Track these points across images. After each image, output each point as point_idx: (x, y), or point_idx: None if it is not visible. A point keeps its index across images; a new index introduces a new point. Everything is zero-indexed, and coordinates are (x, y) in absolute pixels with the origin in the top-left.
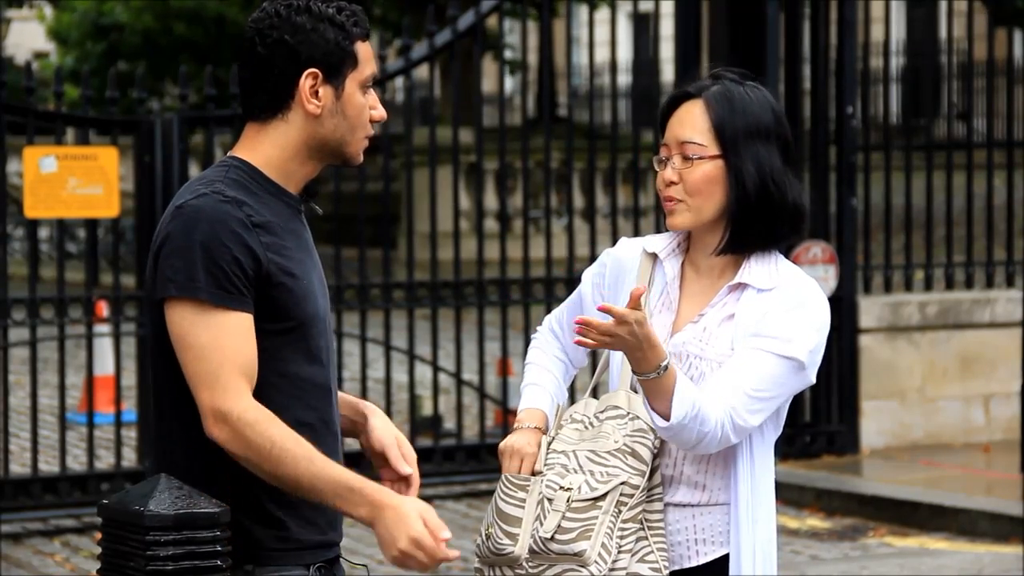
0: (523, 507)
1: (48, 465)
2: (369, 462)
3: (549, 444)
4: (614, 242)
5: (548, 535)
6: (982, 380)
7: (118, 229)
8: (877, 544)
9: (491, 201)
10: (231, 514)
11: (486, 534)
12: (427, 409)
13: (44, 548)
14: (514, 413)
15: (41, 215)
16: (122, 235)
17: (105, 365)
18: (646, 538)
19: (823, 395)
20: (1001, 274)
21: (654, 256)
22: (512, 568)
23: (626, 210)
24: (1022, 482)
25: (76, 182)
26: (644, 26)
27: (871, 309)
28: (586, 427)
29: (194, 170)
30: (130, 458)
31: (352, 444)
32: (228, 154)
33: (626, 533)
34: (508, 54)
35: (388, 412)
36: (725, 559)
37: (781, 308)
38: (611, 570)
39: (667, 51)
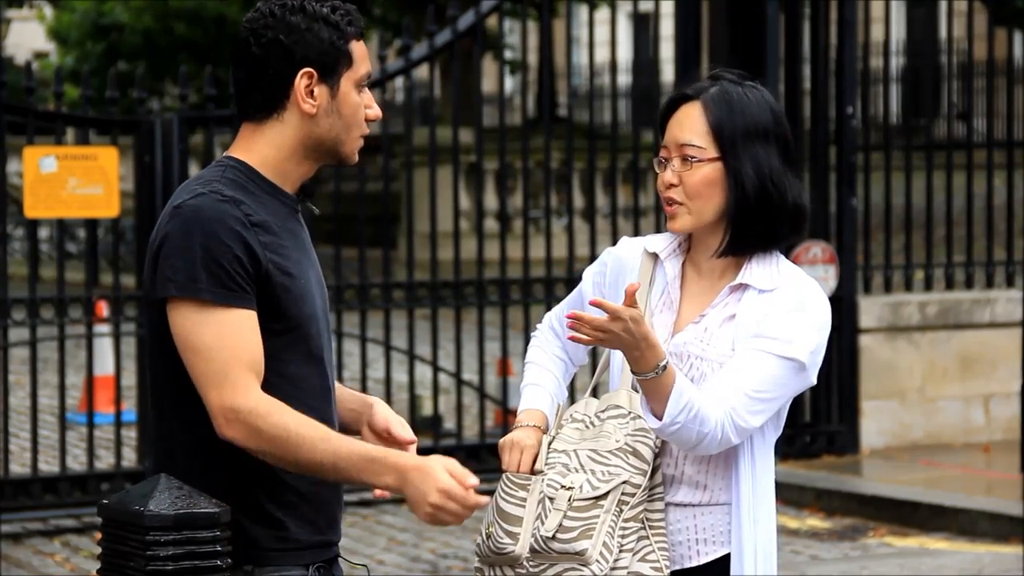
0: (524, 506)
1: (48, 465)
2: None
3: (550, 443)
4: (614, 242)
5: (549, 534)
6: (982, 380)
7: (118, 229)
8: (877, 544)
9: (491, 201)
10: (230, 514)
11: (486, 533)
12: (427, 409)
13: (44, 548)
14: (514, 413)
15: (41, 215)
16: (122, 235)
17: (105, 365)
18: (647, 537)
19: (823, 395)
20: (1001, 274)
21: (655, 256)
22: (513, 567)
23: (626, 210)
24: (1022, 482)
25: (76, 182)
26: (644, 26)
27: (871, 309)
28: (587, 426)
29: (194, 170)
30: (130, 458)
31: None
32: (224, 154)
33: (627, 532)
34: (508, 54)
35: None
36: (726, 559)
37: (782, 309)
38: (612, 569)
39: (667, 51)
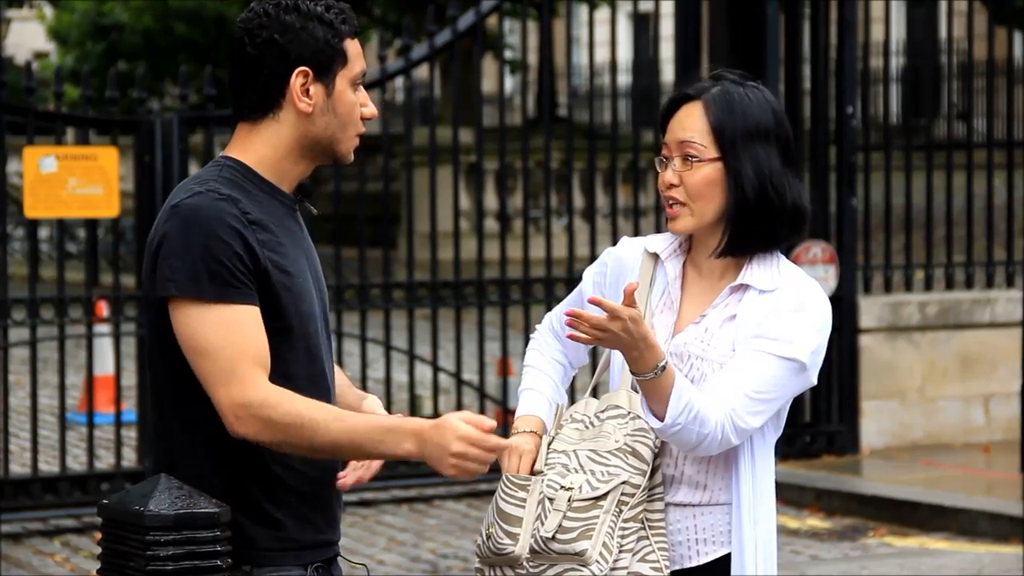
0: (524, 507)
1: (48, 465)
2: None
3: (549, 444)
4: (614, 242)
5: (549, 535)
6: (982, 380)
7: (118, 229)
8: (877, 544)
9: (491, 201)
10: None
11: (487, 534)
12: (427, 409)
13: (44, 548)
14: (514, 413)
15: (41, 215)
16: (122, 235)
17: (105, 365)
18: (647, 538)
19: (823, 395)
20: (1001, 274)
21: (655, 256)
22: (513, 568)
23: (626, 210)
24: (1022, 482)
25: (76, 182)
26: (644, 26)
27: (871, 309)
28: (587, 427)
29: (194, 170)
30: (130, 458)
31: None
32: (221, 154)
33: (627, 532)
34: (508, 54)
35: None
36: (726, 559)
37: (783, 310)
38: (612, 569)
39: (667, 51)
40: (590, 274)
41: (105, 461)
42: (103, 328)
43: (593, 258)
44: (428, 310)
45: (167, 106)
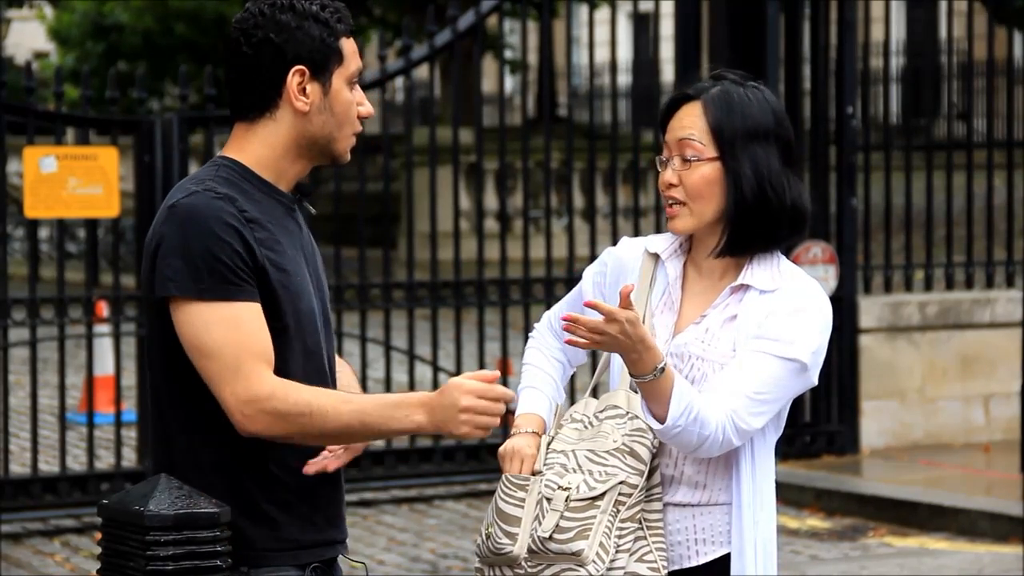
0: (523, 507)
1: (48, 465)
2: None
3: (549, 444)
4: (614, 242)
5: (546, 534)
6: (982, 380)
7: (118, 229)
8: (877, 544)
9: (491, 201)
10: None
11: (486, 534)
12: None
13: (44, 548)
14: (513, 413)
15: (41, 215)
16: (122, 235)
17: (105, 365)
18: (644, 538)
19: (823, 395)
20: (1001, 274)
21: (656, 256)
22: (511, 568)
23: (626, 210)
24: (1022, 482)
25: (76, 182)
26: (644, 26)
27: (871, 309)
28: (586, 427)
29: (194, 170)
30: (130, 458)
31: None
32: (219, 154)
33: (624, 533)
34: (508, 54)
35: None
36: (725, 559)
37: (783, 310)
38: (609, 569)
39: (667, 51)
40: (590, 274)
41: (105, 461)
42: (103, 328)
43: (593, 258)
44: (428, 310)
45: (167, 106)
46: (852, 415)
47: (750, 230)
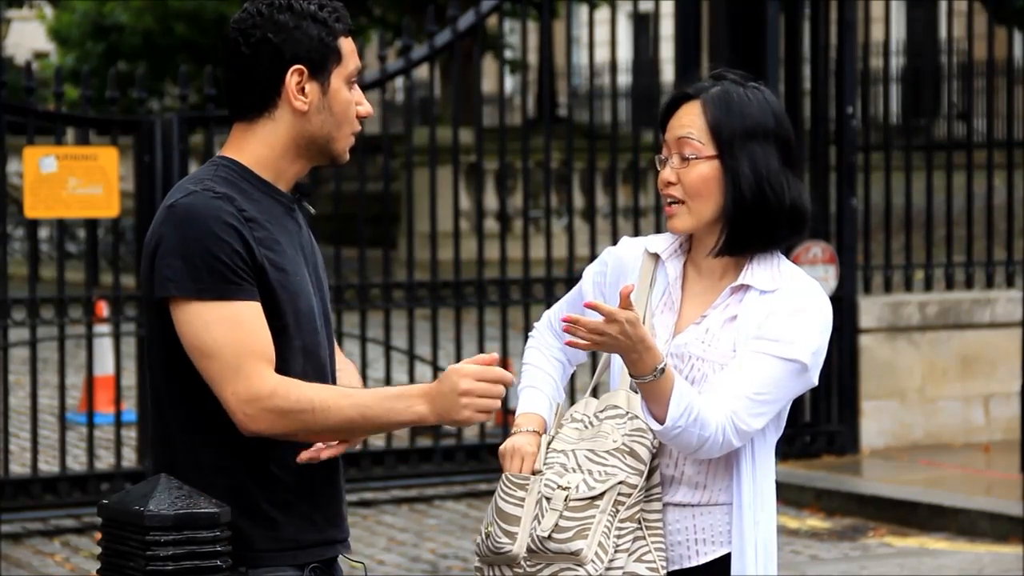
0: (522, 506)
1: (48, 465)
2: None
3: (549, 443)
4: (614, 242)
5: (545, 534)
6: (982, 380)
7: (118, 229)
8: (877, 544)
9: (491, 201)
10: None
11: (486, 533)
12: None
13: (44, 548)
14: (514, 413)
15: (41, 215)
16: (122, 235)
17: (105, 365)
18: (644, 538)
19: (823, 395)
20: (1001, 274)
21: (656, 256)
22: (511, 567)
23: (626, 210)
24: (1022, 482)
25: (76, 182)
26: (644, 26)
27: (871, 309)
28: (586, 426)
29: (194, 169)
30: (130, 458)
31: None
32: (217, 155)
33: (623, 532)
34: (508, 54)
35: None
36: (725, 559)
37: (783, 311)
38: (607, 569)
39: (667, 51)
40: (590, 273)
41: (105, 461)
42: (103, 328)
43: (593, 258)
44: (428, 310)
45: (167, 106)
46: (852, 415)
47: (749, 229)
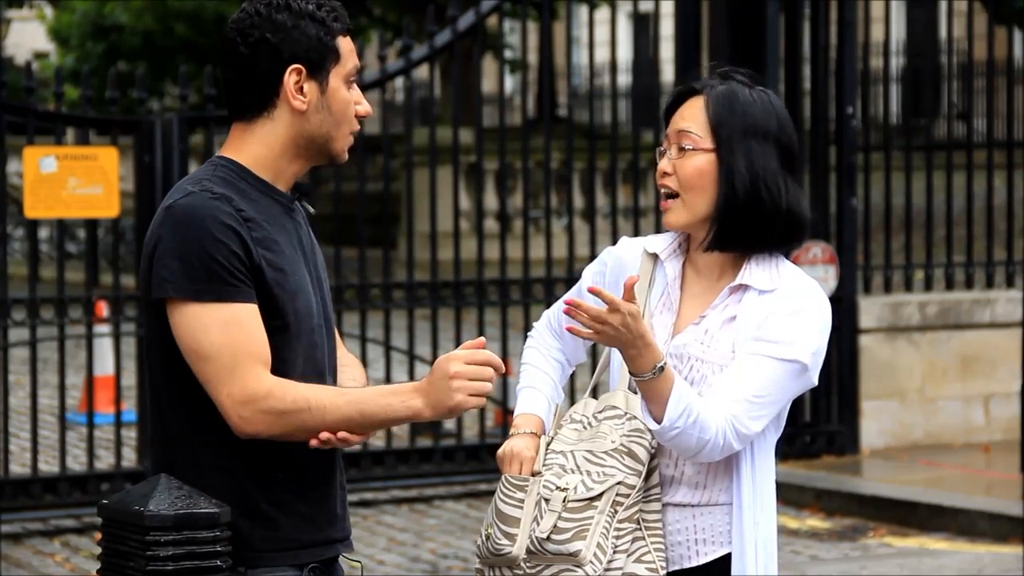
0: (521, 507)
1: (48, 465)
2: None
3: (548, 444)
4: (614, 242)
5: (544, 535)
6: (982, 380)
7: (118, 229)
8: (877, 544)
9: (491, 201)
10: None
11: (486, 534)
12: None
13: (44, 548)
14: (513, 413)
15: (41, 215)
16: (122, 235)
17: (105, 365)
18: (643, 538)
19: (823, 395)
20: (1001, 274)
21: (655, 256)
22: (511, 568)
23: (626, 210)
24: (1022, 482)
25: (76, 182)
26: (644, 26)
27: (871, 309)
28: (584, 427)
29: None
30: (130, 458)
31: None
32: (216, 155)
33: (622, 533)
34: (508, 54)
35: None
36: (725, 559)
37: (783, 311)
38: (606, 570)
39: (667, 51)
40: (590, 273)
41: (105, 461)
42: (103, 328)
43: (593, 258)
44: (428, 310)
45: (167, 106)
46: (852, 415)
47: (741, 227)
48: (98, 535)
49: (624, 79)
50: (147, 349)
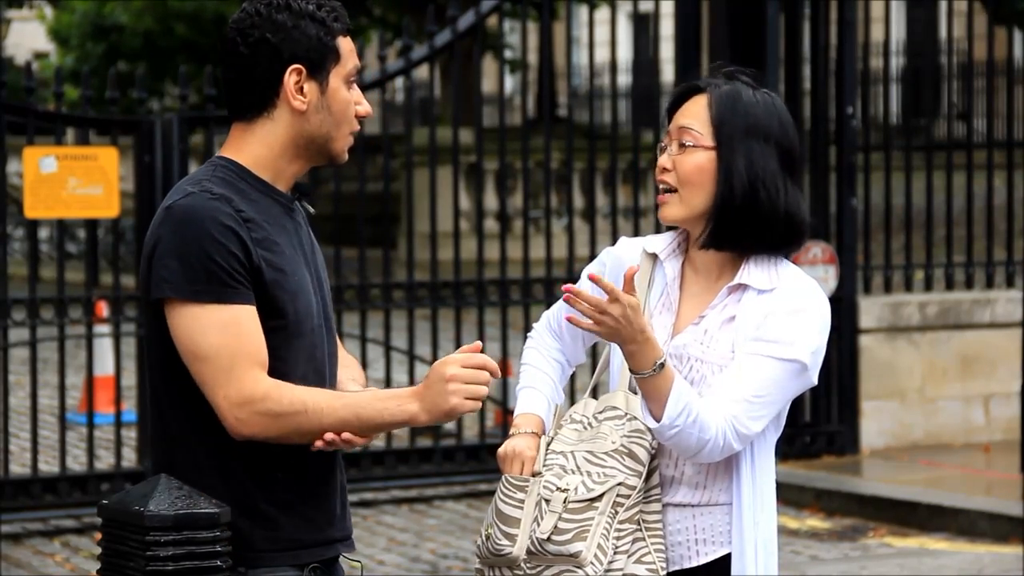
0: (522, 508)
1: (48, 465)
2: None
3: (548, 445)
4: (614, 242)
5: (544, 536)
6: (982, 380)
7: (118, 229)
8: (877, 544)
9: (491, 201)
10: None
11: (486, 535)
12: None
13: (44, 548)
14: (513, 413)
15: (41, 215)
16: (122, 235)
17: (105, 365)
18: (643, 539)
19: (823, 395)
20: (1001, 274)
21: (654, 256)
22: (511, 569)
23: (626, 210)
24: (1022, 482)
25: (76, 182)
26: (644, 26)
27: (871, 309)
28: (585, 428)
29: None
30: (130, 458)
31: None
32: (216, 155)
33: (623, 534)
34: (508, 54)
35: None
36: (725, 559)
37: (782, 310)
38: (607, 571)
39: (667, 51)
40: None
41: (105, 461)
42: (103, 328)
43: (593, 258)
44: (428, 310)
45: (167, 106)
46: (852, 415)
47: (737, 227)
48: (98, 535)
49: (624, 79)
50: (147, 349)
